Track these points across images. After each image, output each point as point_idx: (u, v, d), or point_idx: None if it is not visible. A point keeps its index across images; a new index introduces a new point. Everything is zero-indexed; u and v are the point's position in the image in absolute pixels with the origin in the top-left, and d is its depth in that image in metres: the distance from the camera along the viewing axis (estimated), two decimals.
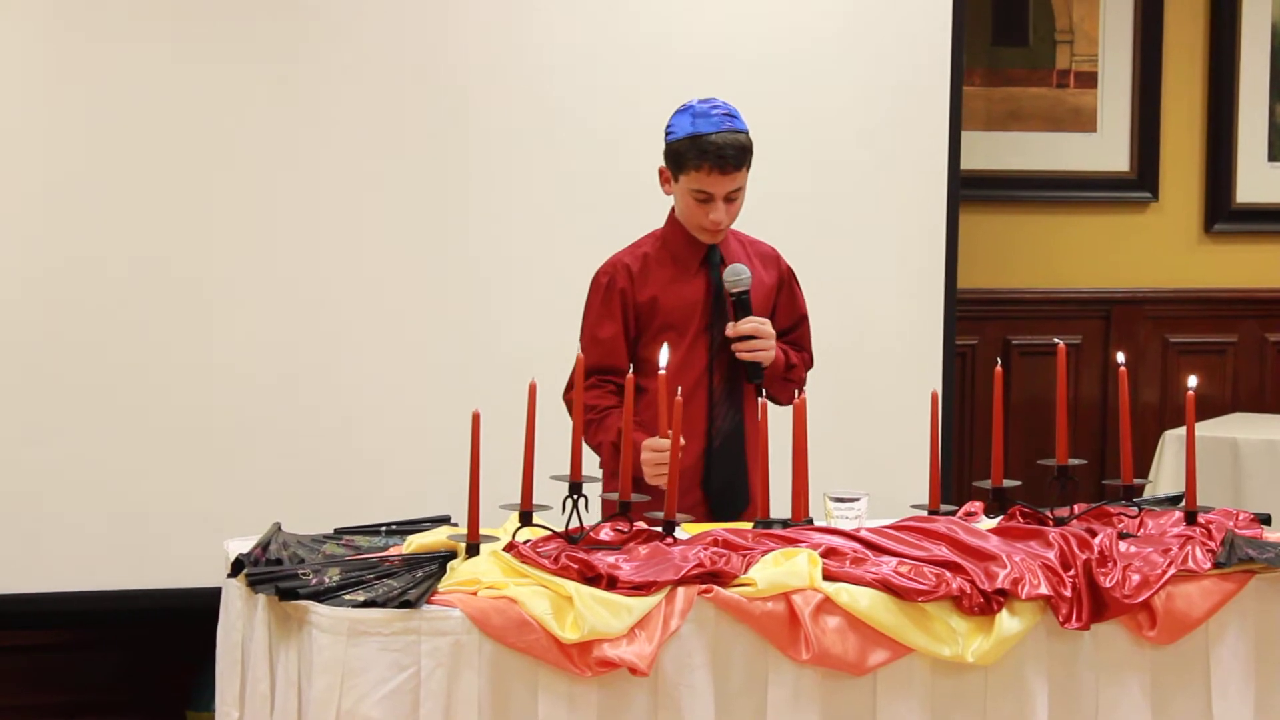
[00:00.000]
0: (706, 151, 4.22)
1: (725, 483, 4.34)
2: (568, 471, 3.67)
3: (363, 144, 5.36)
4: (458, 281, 5.42)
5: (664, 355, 3.88)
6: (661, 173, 4.35)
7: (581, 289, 4.43)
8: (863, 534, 3.75)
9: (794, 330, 4.49)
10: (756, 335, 4.30)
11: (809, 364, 4.51)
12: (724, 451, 4.34)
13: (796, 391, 3.94)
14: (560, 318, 4.76)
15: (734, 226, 4.41)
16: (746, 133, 4.28)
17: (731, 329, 4.30)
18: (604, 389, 4.29)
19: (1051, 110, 6.59)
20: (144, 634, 5.64)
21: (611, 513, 3.74)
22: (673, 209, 4.39)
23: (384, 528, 3.90)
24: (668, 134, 4.31)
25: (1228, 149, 6.73)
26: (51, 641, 5.61)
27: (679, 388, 3.83)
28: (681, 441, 4.07)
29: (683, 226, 4.36)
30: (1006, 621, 3.56)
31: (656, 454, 4.05)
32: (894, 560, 3.63)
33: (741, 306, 4.31)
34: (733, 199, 4.29)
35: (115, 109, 5.20)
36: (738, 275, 4.30)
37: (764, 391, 4.25)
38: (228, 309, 5.28)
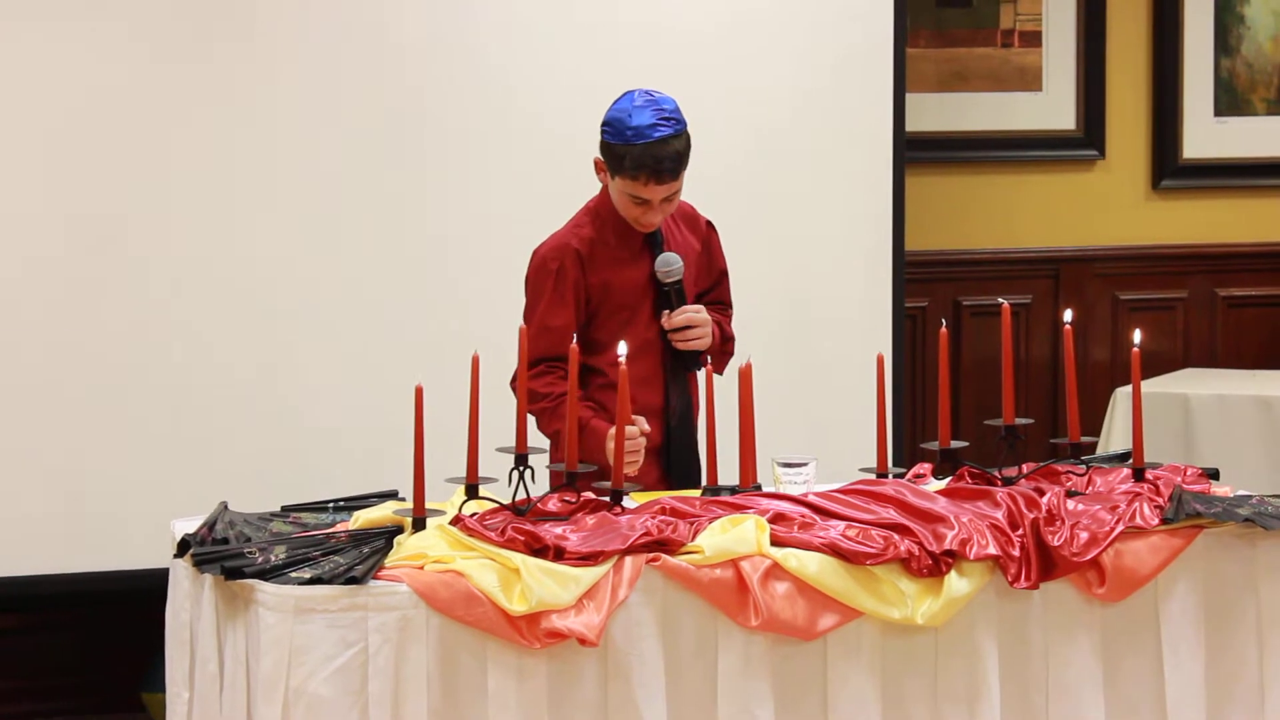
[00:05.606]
0: (643, 165, 4.12)
1: (685, 459, 4.32)
2: (513, 444, 3.66)
3: (311, 124, 5.32)
4: (403, 259, 5.39)
5: (622, 349, 3.80)
6: (597, 164, 4.26)
7: (524, 264, 4.39)
8: (810, 499, 3.75)
9: (715, 288, 4.47)
10: (692, 325, 4.28)
11: (730, 315, 4.48)
12: (680, 429, 4.32)
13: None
14: (505, 294, 4.73)
15: None
16: (685, 134, 4.18)
17: (666, 320, 4.27)
18: (554, 374, 4.21)
19: (997, 70, 6.58)
20: (96, 617, 5.61)
21: (561, 484, 3.73)
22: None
23: (331, 504, 3.89)
24: (604, 130, 4.20)
25: (1173, 105, 6.72)
26: (1, 626, 5.58)
27: (624, 353, 3.79)
28: (646, 428, 4.06)
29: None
30: (955, 582, 3.57)
31: (626, 443, 3.94)
32: (842, 524, 3.63)
33: (676, 296, 4.28)
34: (670, 200, 4.23)
35: (62, 85, 5.16)
36: (669, 265, 4.25)
37: (709, 361, 4.23)
38: (173, 291, 5.24)
